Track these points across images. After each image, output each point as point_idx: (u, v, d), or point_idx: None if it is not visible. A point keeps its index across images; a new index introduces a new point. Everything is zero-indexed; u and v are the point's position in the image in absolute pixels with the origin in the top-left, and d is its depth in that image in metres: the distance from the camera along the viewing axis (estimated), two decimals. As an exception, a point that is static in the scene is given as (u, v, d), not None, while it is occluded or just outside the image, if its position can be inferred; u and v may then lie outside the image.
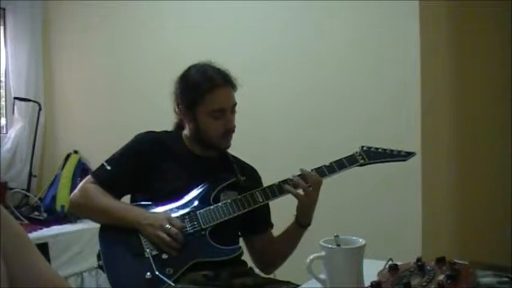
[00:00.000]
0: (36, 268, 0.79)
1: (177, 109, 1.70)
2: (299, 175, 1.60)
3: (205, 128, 1.64)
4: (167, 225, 1.50)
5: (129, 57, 3.43)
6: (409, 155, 1.63)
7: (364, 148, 1.64)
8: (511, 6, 2.62)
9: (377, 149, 1.64)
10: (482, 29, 2.77)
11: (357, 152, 1.64)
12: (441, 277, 0.93)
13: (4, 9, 3.67)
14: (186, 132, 1.72)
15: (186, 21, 3.15)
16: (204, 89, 1.61)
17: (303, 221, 1.64)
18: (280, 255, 1.74)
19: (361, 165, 1.63)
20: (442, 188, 2.67)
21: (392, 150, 1.63)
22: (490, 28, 2.77)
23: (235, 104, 1.67)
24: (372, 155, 1.62)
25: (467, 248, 2.69)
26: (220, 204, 1.59)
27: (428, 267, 0.99)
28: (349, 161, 1.62)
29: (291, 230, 1.68)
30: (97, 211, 1.62)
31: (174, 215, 1.57)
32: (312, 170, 1.61)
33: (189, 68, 1.69)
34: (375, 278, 1.02)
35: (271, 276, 1.75)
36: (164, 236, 1.50)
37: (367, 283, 1.03)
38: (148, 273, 1.46)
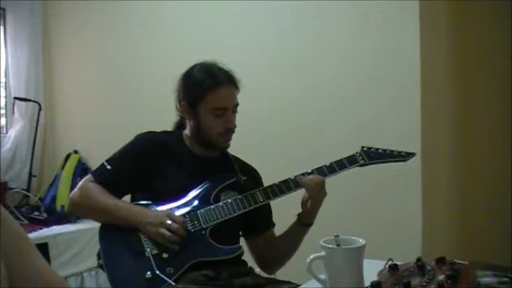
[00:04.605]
0: (36, 268, 0.79)
1: (179, 106, 1.70)
2: (295, 177, 1.60)
3: (205, 126, 1.64)
4: (168, 222, 1.51)
5: (129, 58, 3.43)
6: (409, 155, 1.63)
7: (365, 148, 1.64)
8: (511, 6, 2.62)
9: (377, 149, 1.64)
10: (482, 29, 2.77)
11: (357, 153, 1.64)
12: (441, 277, 0.93)
13: (4, 9, 3.67)
14: (186, 131, 1.72)
15: (186, 22, 3.15)
16: (207, 86, 1.61)
17: (307, 220, 1.64)
18: (283, 255, 1.74)
19: (362, 165, 1.63)
20: (442, 188, 2.67)
21: (392, 151, 1.63)
22: (490, 28, 2.76)
23: (237, 105, 1.67)
24: (372, 156, 1.63)
25: (467, 248, 2.69)
26: (221, 203, 1.59)
27: (428, 267, 0.99)
28: (350, 162, 1.62)
29: (294, 229, 1.67)
30: (97, 210, 1.62)
31: (174, 214, 1.57)
32: (312, 170, 1.61)
33: (194, 66, 1.69)
34: (375, 278, 1.02)
35: (271, 276, 1.76)
36: (165, 231, 1.50)
37: (367, 283, 1.03)
38: (149, 273, 1.46)
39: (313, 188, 1.57)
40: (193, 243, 1.54)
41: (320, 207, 1.62)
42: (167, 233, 1.50)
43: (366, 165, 1.63)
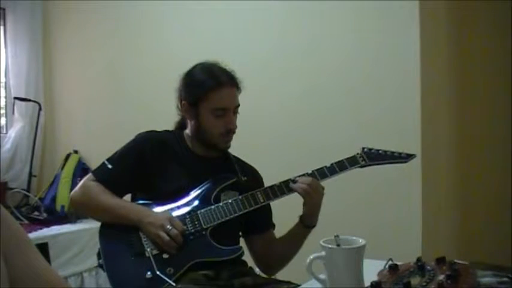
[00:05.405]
0: (36, 268, 0.79)
1: (180, 105, 1.70)
2: (295, 178, 1.60)
3: (206, 126, 1.64)
4: (168, 226, 1.51)
5: (129, 58, 3.43)
6: (409, 157, 1.63)
7: (365, 149, 1.64)
8: (511, 7, 2.62)
9: (378, 150, 1.64)
10: (482, 29, 2.77)
11: (358, 154, 1.64)
12: (441, 277, 0.93)
13: (4, 9, 3.67)
14: (187, 131, 1.72)
15: (186, 21, 3.15)
16: (209, 86, 1.61)
17: (308, 222, 1.64)
18: (283, 256, 1.73)
19: (362, 166, 1.63)
20: (442, 188, 2.67)
21: (393, 152, 1.63)
22: (490, 28, 2.76)
23: (238, 106, 1.67)
24: (373, 157, 1.63)
25: (467, 248, 2.69)
26: (221, 204, 1.59)
27: (428, 267, 0.99)
28: (350, 163, 1.62)
29: (296, 230, 1.67)
30: (98, 209, 1.62)
31: (175, 214, 1.57)
32: (313, 170, 1.61)
33: (195, 66, 1.69)
34: (375, 278, 1.02)
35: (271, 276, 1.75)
36: (164, 235, 1.50)
37: (367, 283, 1.03)
38: (149, 273, 1.46)
39: (306, 191, 1.57)
40: (194, 244, 1.54)
41: (320, 209, 1.62)
42: (166, 237, 1.50)
43: (367, 166, 1.63)
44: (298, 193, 1.58)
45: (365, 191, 2.49)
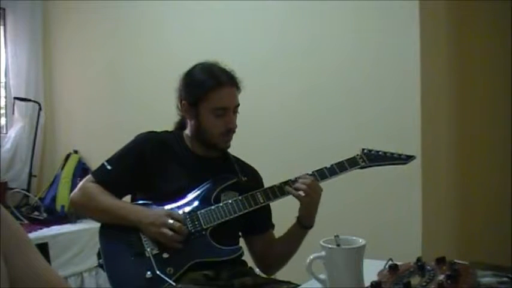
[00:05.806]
0: (36, 268, 0.79)
1: (179, 105, 1.70)
2: (295, 179, 1.60)
3: (206, 126, 1.64)
4: (169, 221, 1.51)
5: (129, 58, 3.43)
6: (409, 158, 1.63)
7: (365, 151, 1.64)
8: (511, 7, 2.62)
9: (378, 152, 1.64)
10: (482, 29, 2.77)
11: (358, 155, 1.64)
12: (441, 277, 0.93)
13: (4, 9, 3.67)
14: (187, 131, 1.72)
15: (186, 21, 3.15)
16: (208, 86, 1.61)
17: (305, 222, 1.64)
18: (282, 257, 1.73)
19: (362, 167, 1.63)
20: (442, 189, 2.67)
21: (393, 154, 1.64)
22: (490, 28, 2.76)
23: (238, 105, 1.67)
24: (373, 158, 1.63)
25: (467, 248, 2.69)
26: (221, 204, 1.59)
27: (428, 267, 0.99)
28: (350, 164, 1.62)
29: (293, 231, 1.67)
30: (98, 210, 1.62)
31: (174, 214, 1.57)
32: (313, 171, 1.61)
33: (195, 66, 1.70)
34: (375, 278, 1.02)
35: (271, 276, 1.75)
36: (167, 231, 1.50)
37: (367, 283, 1.03)
38: (149, 273, 1.46)
39: (305, 192, 1.56)
40: (194, 244, 1.54)
41: (317, 210, 1.62)
42: (169, 232, 1.50)
43: (367, 167, 1.63)
44: (294, 196, 1.58)
45: (365, 191, 2.49)
